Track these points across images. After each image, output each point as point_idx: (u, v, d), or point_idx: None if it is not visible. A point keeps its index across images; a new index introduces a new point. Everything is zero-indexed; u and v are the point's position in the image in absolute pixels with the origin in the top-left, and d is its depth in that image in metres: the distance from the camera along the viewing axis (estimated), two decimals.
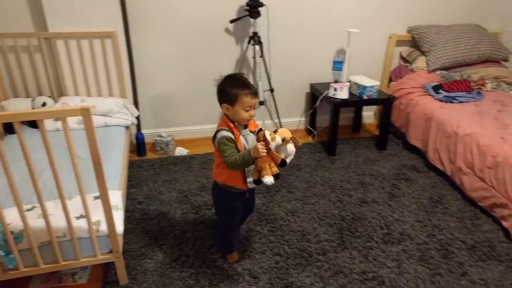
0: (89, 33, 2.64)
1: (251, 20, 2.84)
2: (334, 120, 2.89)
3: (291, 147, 1.57)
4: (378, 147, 3.09)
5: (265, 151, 1.47)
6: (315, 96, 3.16)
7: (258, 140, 1.52)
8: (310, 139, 3.27)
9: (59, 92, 2.78)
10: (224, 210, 1.82)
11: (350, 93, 2.99)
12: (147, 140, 3.05)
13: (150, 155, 2.93)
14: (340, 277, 1.83)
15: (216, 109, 3.21)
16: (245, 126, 1.65)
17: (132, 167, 2.73)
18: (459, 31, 3.21)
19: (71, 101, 2.60)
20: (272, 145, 1.48)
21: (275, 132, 1.52)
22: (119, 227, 1.68)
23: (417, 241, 2.07)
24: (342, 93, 2.89)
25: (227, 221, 1.84)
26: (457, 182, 2.49)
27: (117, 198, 1.83)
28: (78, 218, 1.63)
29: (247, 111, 1.55)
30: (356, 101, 2.97)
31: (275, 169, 1.51)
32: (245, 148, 1.60)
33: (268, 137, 1.47)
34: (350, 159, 2.90)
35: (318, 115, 3.36)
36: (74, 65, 2.69)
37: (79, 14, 2.57)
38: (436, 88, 3.03)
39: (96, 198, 1.74)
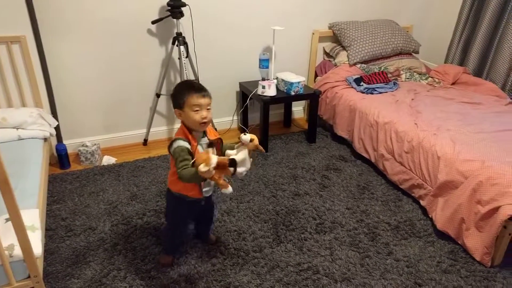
0: None
1: (174, 20, 2.77)
2: (264, 117, 2.93)
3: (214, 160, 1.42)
4: (308, 141, 3.19)
5: (212, 171, 1.36)
6: (245, 94, 3.18)
7: (197, 160, 1.39)
8: None
9: None
10: (175, 217, 1.79)
11: (278, 90, 3.05)
12: (71, 151, 2.86)
13: (74, 167, 2.75)
14: (277, 271, 1.86)
15: (143, 114, 3.10)
16: (204, 134, 1.62)
17: (54, 181, 2.53)
18: (374, 26, 3.42)
19: None
20: (214, 160, 1.36)
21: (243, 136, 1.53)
22: (37, 249, 1.54)
23: (347, 228, 2.17)
24: (270, 91, 2.94)
25: (175, 227, 1.83)
26: (381, 168, 2.66)
27: (34, 217, 1.68)
28: None
29: (197, 111, 1.52)
30: (284, 98, 3.03)
31: (223, 181, 1.43)
32: None
33: (211, 153, 1.39)
34: (282, 154, 2.97)
35: (249, 113, 3.38)
36: None
37: None
38: (358, 81, 3.20)
39: (7, 220, 1.58)
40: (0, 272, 1.48)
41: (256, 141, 1.55)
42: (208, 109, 1.56)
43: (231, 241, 2.05)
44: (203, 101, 1.53)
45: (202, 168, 1.35)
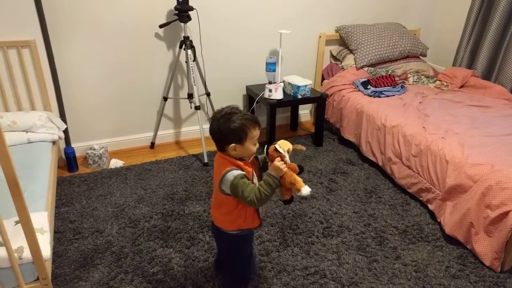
0: (3, 43, 2.44)
1: (182, 24, 2.79)
2: (271, 121, 2.93)
3: (287, 157, 1.44)
4: (315, 144, 3.18)
5: (285, 166, 1.37)
6: (252, 98, 3.18)
7: (271, 159, 1.40)
8: None
9: None
10: (243, 256, 1.60)
11: (285, 93, 3.05)
12: (79, 154, 2.88)
13: (82, 170, 2.77)
14: (284, 275, 1.86)
15: (150, 117, 3.11)
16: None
17: (62, 184, 2.55)
18: (382, 30, 3.41)
19: None
20: (287, 157, 1.39)
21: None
22: (46, 251, 1.56)
23: (354, 232, 2.16)
24: (277, 94, 2.94)
25: (245, 267, 1.64)
26: (388, 172, 2.64)
27: (42, 220, 1.70)
28: None
29: (255, 144, 1.42)
30: (291, 101, 3.03)
31: (299, 178, 1.40)
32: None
33: (281, 150, 1.38)
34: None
35: (256, 116, 3.38)
36: None
37: None
38: (365, 84, 3.19)
39: (17, 222, 1.60)
40: (9, 274, 1.50)
41: (291, 148, 1.45)
42: None
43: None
44: (259, 132, 1.43)
45: (279, 148, 1.36)
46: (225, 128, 1.35)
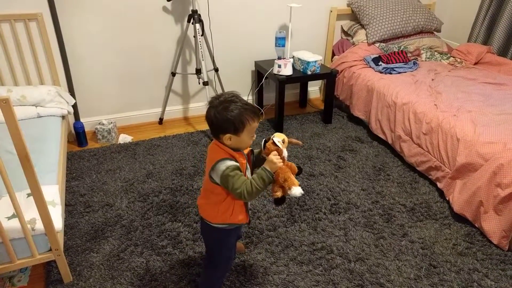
0: (10, 16, 2.42)
1: None
2: (279, 97, 2.90)
3: (285, 152, 1.39)
4: (324, 121, 3.15)
5: (281, 161, 1.30)
6: (261, 74, 3.14)
7: (267, 153, 1.33)
8: None
9: None
10: (225, 252, 1.51)
11: (294, 69, 3.00)
12: (88, 129, 2.90)
13: (91, 145, 2.79)
14: (291, 250, 1.88)
15: (159, 93, 3.10)
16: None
17: (72, 158, 2.58)
18: (395, 4, 3.30)
19: None
20: (285, 152, 1.33)
21: (268, 139, 1.37)
22: (58, 223, 1.59)
23: (362, 209, 2.16)
24: (286, 70, 2.89)
25: (226, 263, 1.56)
26: (398, 150, 2.62)
27: (54, 193, 1.72)
28: (9, 218, 1.52)
29: (252, 137, 1.33)
30: (300, 77, 2.98)
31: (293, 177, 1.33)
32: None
33: (280, 144, 1.32)
34: (297, 134, 2.94)
35: (265, 92, 3.35)
36: None
37: None
38: (376, 60, 3.12)
39: (29, 195, 1.63)
40: (23, 245, 1.54)
41: (286, 139, 1.38)
42: None
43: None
44: (258, 124, 1.33)
45: (278, 142, 1.29)
46: (222, 116, 1.26)
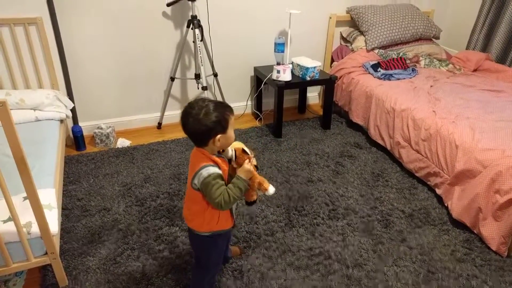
0: (10, 20, 2.43)
1: (190, 3, 2.74)
2: (278, 103, 2.90)
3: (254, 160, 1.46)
4: (323, 127, 3.15)
5: (253, 168, 1.36)
6: (260, 79, 3.15)
7: (239, 162, 1.37)
8: (256, 123, 3.27)
9: None
10: (213, 259, 1.51)
11: (293, 75, 3.01)
12: (86, 133, 2.89)
13: (90, 149, 2.78)
14: (288, 255, 1.86)
15: (157, 97, 3.10)
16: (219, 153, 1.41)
17: (70, 162, 2.57)
18: (394, 11, 3.33)
19: None
20: (254, 159, 1.39)
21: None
22: (54, 226, 1.58)
23: (360, 214, 2.15)
24: (285, 75, 2.90)
25: (214, 270, 1.57)
26: (396, 156, 2.62)
27: (50, 196, 1.71)
28: (5, 221, 1.51)
29: (233, 129, 1.36)
30: (299, 83, 2.99)
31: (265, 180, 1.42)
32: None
33: (249, 152, 1.38)
34: (296, 140, 2.94)
35: (264, 98, 3.36)
36: None
37: None
38: (375, 67, 3.13)
39: (25, 198, 1.62)
40: (18, 249, 1.52)
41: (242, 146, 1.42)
42: None
43: (244, 224, 2.05)
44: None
45: (248, 150, 1.34)
46: (208, 121, 1.26)
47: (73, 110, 2.74)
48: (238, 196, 1.31)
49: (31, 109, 2.43)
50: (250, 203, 1.45)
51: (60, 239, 1.90)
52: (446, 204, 2.18)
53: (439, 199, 2.27)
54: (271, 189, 1.40)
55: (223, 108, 1.31)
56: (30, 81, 2.61)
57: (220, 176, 1.31)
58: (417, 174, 2.45)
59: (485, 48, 3.35)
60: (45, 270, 1.74)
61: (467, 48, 3.50)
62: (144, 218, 2.08)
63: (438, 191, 2.27)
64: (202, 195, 1.34)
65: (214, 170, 1.30)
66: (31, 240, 1.54)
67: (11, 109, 2.36)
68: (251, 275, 1.75)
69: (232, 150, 1.40)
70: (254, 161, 1.41)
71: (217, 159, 1.33)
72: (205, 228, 1.41)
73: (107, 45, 2.78)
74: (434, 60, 3.37)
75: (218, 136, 1.29)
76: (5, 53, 2.48)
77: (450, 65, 3.29)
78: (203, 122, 1.27)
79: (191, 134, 1.33)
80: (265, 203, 2.22)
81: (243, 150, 1.39)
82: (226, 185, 1.33)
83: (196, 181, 1.31)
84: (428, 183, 2.37)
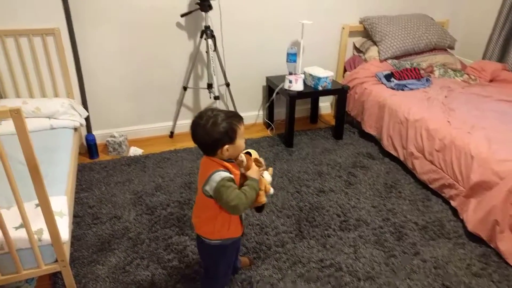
0: (28, 30, 2.49)
1: (203, 13, 2.78)
2: (290, 112, 2.89)
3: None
4: (335, 137, 3.13)
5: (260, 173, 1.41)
6: (272, 89, 3.15)
7: (248, 165, 1.37)
8: (268, 133, 3.26)
9: None
10: (223, 268, 1.51)
11: (305, 85, 3.01)
12: (100, 141, 2.93)
13: (102, 157, 2.82)
14: (299, 267, 1.83)
15: (170, 106, 3.13)
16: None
17: (83, 170, 2.60)
18: (407, 21, 3.30)
19: (11, 104, 2.43)
20: (263, 162, 1.43)
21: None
22: (64, 234, 1.59)
23: (372, 226, 2.11)
24: (297, 85, 2.89)
25: (224, 279, 1.58)
26: (410, 166, 2.57)
27: (62, 203, 1.73)
28: (17, 228, 1.53)
29: (244, 138, 1.37)
30: (311, 92, 2.98)
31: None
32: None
33: (255, 154, 1.42)
34: (308, 150, 2.92)
35: (275, 108, 3.35)
36: (13, 65, 2.53)
37: (16, 10, 2.42)
38: (388, 77, 3.11)
39: (38, 205, 1.63)
40: (29, 255, 1.54)
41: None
42: None
43: (253, 235, 2.04)
44: (243, 125, 1.38)
45: (256, 155, 1.38)
46: (215, 132, 1.27)
47: (87, 119, 2.78)
48: (253, 197, 1.32)
49: (47, 117, 2.48)
50: (259, 208, 1.45)
51: (71, 246, 1.91)
52: (461, 217, 2.12)
53: (454, 212, 2.21)
54: (272, 190, 1.46)
55: (231, 118, 1.31)
56: (46, 89, 2.67)
57: (232, 180, 1.31)
58: (431, 186, 2.39)
59: (501, 58, 3.29)
60: (55, 277, 1.75)
61: (483, 58, 3.45)
62: (154, 227, 2.08)
63: (453, 203, 2.21)
64: (214, 201, 1.33)
65: (226, 174, 1.30)
66: (42, 247, 1.55)
67: (27, 117, 2.43)
68: (260, 287, 1.72)
69: (242, 156, 1.40)
70: (263, 164, 1.42)
71: (227, 164, 1.33)
72: (215, 235, 1.40)
73: (121, 55, 2.83)
74: (449, 70, 3.33)
75: (226, 146, 1.30)
76: (23, 62, 2.54)
77: (465, 75, 3.24)
78: (211, 133, 1.28)
79: (200, 144, 1.34)
80: (276, 214, 2.20)
81: (249, 154, 1.41)
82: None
83: (208, 187, 1.31)
84: (443, 195, 2.31)
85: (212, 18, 2.88)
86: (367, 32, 3.39)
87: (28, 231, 1.47)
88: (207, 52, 2.82)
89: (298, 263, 1.86)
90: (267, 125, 3.37)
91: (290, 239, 2.01)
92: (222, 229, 1.38)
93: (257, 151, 1.47)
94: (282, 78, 3.06)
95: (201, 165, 1.39)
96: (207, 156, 1.36)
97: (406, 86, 2.99)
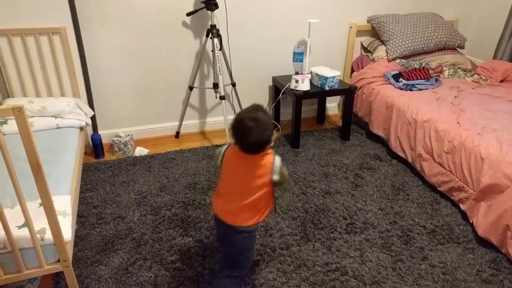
0: (35, 29, 2.50)
1: (209, 12, 2.76)
2: (296, 112, 2.86)
3: None
4: (342, 138, 3.09)
5: None
6: (278, 89, 3.12)
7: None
8: (274, 133, 3.23)
9: (4, 93, 2.61)
10: (252, 253, 1.58)
11: (312, 85, 2.97)
12: (105, 141, 2.93)
13: (108, 157, 2.81)
14: (303, 270, 1.80)
15: (176, 106, 3.12)
16: None
17: (88, 170, 2.60)
18: (416, 20, 3.25)
19: (17, 103, 2.43)
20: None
21: None
22: (67, 234, 1.58)
23: (379, 229, 2.07)
24: (304, 85, 2.86)
25: (248, 263, 1.61)
26: (418, 169, 2.52)
27: (65, 203, 1.72)
28: (20, 227, 1.52)
29: None
30: (318, 92, 2.94)
31: None
32: None
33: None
34: (314, 151, 2.89)
35: (282, 108, 3.33)
36: (20, 64, 2.54)
37: (23, 9, 2.42)
38: (396, 77, 3.06)
39: (41, 204, 1.63)
40: (32, 255, 1.53)
41: None
42: None
43: (258, 236, 2.01)
44: None
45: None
46: (269, 131, 1.39)
47: (93, 118, 2.78)
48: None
49: (53, 116, 2.48)
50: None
51: (75, 246, 1.91)
52: (471, 221, 2.08)
53: (464, 215, 2.16)
54: None
55: (266, 114, 1.42)
56: (52, 89, 2.67)
57: None
58: (440, 189, 2.34)
59: None
60: (58, 277, 1.74)
61: (494, 58, 3.38)
62: (158, 228, 2.06)
63: (462, 206, 2.16)
64: (268, 188, 1.43)
65: (278, 156, 1.45)
66: (45, 247, 1.54)
67: (33, 117, 2.43)
68: None
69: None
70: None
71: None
72: (260, 219, 1.48)
73: (127, 55, 2.82)
74: (459, 70, 3.27)
75: (272, 137, 1.42)
76: (30, 61, 2.55)
77: (476, 76, 3.18)
78: (265, 133, 1.37)
79: (253, 145, 1.39)
80: (281, 215, 2.17)
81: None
82: None
83: (275, 176, 1.41)
84: (452, 198, 2.26)
85: (218, 17, 2.86)
86: (375, 31, 3.34)
87: (31, 230, 1.46)
88: (213, 51, 2.80)
89: (302, 266, 1.83)
90: (274, 126, 3.34)
91: (295, 241, 1.98)
92: (266, 210, 1.51)
93: None
94: (288, 78, 3.03)
95: (250, 161, 1.42)
96: (256, 153, 1.41)
97: (415, 86, 2.94)
